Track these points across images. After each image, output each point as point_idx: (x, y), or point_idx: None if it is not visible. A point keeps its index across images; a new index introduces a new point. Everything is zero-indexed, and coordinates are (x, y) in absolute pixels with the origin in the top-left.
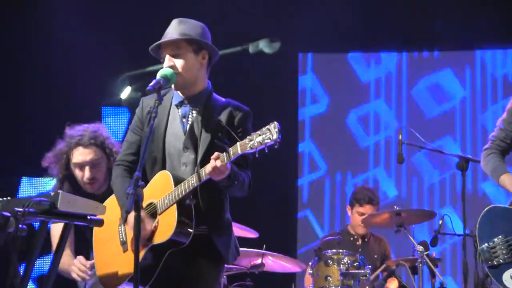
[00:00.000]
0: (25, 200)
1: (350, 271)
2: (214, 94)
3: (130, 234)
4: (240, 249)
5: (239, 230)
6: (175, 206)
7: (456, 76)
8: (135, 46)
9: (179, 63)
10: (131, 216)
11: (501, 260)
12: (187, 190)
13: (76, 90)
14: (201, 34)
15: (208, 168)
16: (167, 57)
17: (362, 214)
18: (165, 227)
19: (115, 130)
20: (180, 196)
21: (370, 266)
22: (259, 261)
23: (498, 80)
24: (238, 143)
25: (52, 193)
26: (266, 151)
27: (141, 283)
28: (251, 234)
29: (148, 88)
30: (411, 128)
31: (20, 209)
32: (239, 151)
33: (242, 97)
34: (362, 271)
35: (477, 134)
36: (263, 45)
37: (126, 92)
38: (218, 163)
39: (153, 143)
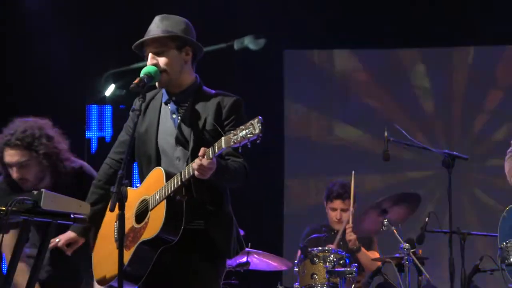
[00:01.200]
0: (9, 198)
1: (336, 269)
2: (204, 88)
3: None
4: None
5: None
6: (164, 202)
7: (441, 73)
8: (119, 43)
9: (162, 60)
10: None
11: None
12: (175, 186)
13: (60, 89)
14: (184, 30)
15: (194, 166)
16: (150, 55)
17: (334, 209)
18: (153, 223)
19: (101, 128)
20: (169, 191)
21: (356, 264)
22: (244, 259)
23: (484, 77)
24: (222, 138)
25: (36, 192)
26: (249, 145)
27: (134, 281)
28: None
29: (132, 86)
30: (397, 125)
31: (3, 208)
32: (223, 146)
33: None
34: (348, 269)
35: (464, 132)
36: (248, 42)
37: (110, 90)
38: (204, 161)
39: (146, 143)
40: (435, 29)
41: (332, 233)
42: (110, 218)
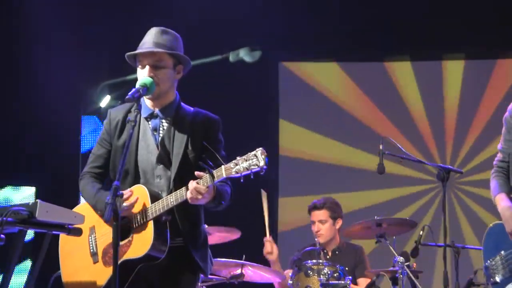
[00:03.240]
0: (3, 209)
1: (330, 281)
2: (182, 104)
3: (102, 245)
4: (220, 259)
5: (220, 233)
6: (151, 222)
7: (433, 87)
8: (115, 55)
9: (159, 74)
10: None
11: (501, 276)
12: (165, 209)
13: (55, 99)
14: (179, 48)
15: (189, 192)
16: (148, 68)
17: (314, 222)
18: (140, 243)
19: (95, 139)
20: (157, 213)
21: (350, 277)
22: (238, 271)
23: (476, 90)
24: (222, 167)
25: (31, 203)
26: (252, 177)
27: None
28: (234, 235)
29: (127, 97)
30: (392, 139)
31: None
32: (224, 175)
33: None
34: (342, 282)
35: (459, 145)
36: (244, 54)
37: (105, 101)
38: (202, 188)
39: (123, 157)
40: (427, 42)
41: (323, 252)
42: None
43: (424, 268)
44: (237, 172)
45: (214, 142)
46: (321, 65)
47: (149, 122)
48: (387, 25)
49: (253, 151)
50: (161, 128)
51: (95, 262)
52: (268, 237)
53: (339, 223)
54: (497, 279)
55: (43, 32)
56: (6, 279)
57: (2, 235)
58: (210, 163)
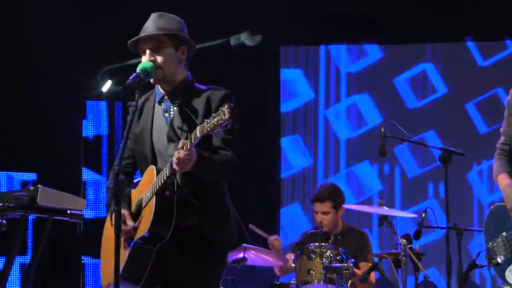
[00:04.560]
0: (5, 195)
1: (333, 264)
2: (196, 84)
3: (124, 232)
4: None
5: None
6: (154, 198)
7: (437, 68)
8: (116, 39)
9: (160, 57)
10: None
11: (503, 257)
12: (161, 181)
13: (57, 84)
14: (180, 29)
15: (174, 161)
16: (148, 51)
17: (317, 212)
18: (145, 220)
19: (97, 124)
20: (157, 188)
21: (353, 260)
22: (241, 255)
23: (478, 72)
24: (197, 127)
25: (32, 188)
26: (221, 132)
27: (135, 281)
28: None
29: (128, 81)
30: (394, 121)
31: (0, 204)
32: (198, 135)
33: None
34: (345, 264)
35: (460, 126)
36: (244, 38)
37: (107, 86)
38: (182, 153)
39: (142, 144)
40: (433, 23)
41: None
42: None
43: (426, 251)
44: (208, 129)
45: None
46: (323, 47)
47: (162, 105)
48: (393, 5)
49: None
50: (171, 109)
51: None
52: (270, 237)
53: (342, 209)
54: (499, 260)
55: (44, 17)
56: (8, 265)
57: (4, 221)
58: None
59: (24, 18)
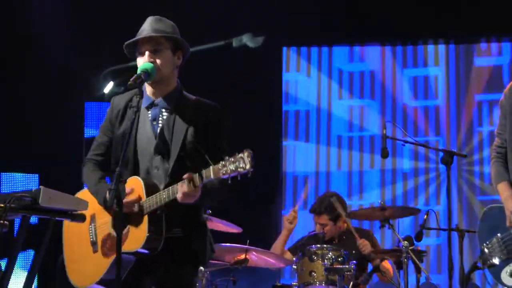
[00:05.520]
0: (6, 196)
1: (335, 266)
2: (184, 93)
3: (100, 234)
4: (224, 244)
5: (222, 226)
6: (146, 216)
7: (440, 69)
8: (117, 41)
9: (159, 59)
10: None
11: (498, 258)
12: (158, 204)
13: (58, 86)
14: (176, 34)
15: (179, 194)
16: (147, 53)
17: (316, 222)
18: (135, 237)
19: (98, 125)
20: (151, 208)
21: (355, 261)
22: (242, 256)
23: (482, 73)
24: (211, 167)
25: (34, 189)
26: (239, 178)
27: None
28: (234, 229)
29: (129, 82)
30: (396, 123)
31: (1, 205)
32: (212, 176)
33: (226, 92)
34: (347, 266)
35: (462, 128)
36: (247, 40)
37: (108, 87)
38: (189, 189)
39: (123, 146)
40: (432, 25)
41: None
42: (81, 235)
43: (428, 252)
44: (224, 174)
45: (214, 134)
46: (325, 48)
47: (149, 112)
48: (396, 7)
49: (240, 153)
50: (160, 118)
51: (95, 251)
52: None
53: (342, 220)
54: (494, 261)
55: (45, 18)
56: (10, 266)
57: (6, 222)
58: (206, 157)
59: (24, 18)
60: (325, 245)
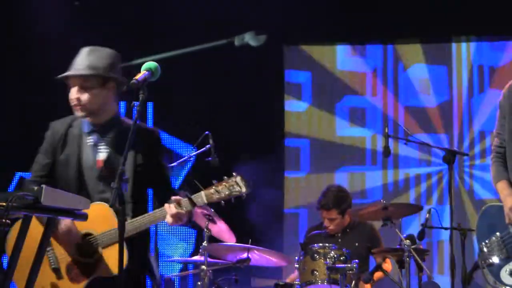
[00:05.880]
0: (9, 194)
1: (337, 265)
2: (123, 118)
3: (63, 262)
4: (227, 243)
5: (221, 229)
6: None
7: (443, 68)
8: (120, 40)
9: (84, 96)
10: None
11: (497, 257)
12: (137, 230)
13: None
14: (109, 65)
15: (169, 218)
16: (75, 89)
17: (324, 217)
18: (113, 262)
19: None
20: (130, 233)
21: (357, 260)
22: (245, 255)
23: (486, 72)
24: (202, 193)
25: (36, 188)
26: (232, 201)
27: None
28: (228, 237)
29: (132, 81)
30: (398, 122)
31: (3, 204)
32: (205, 201)
33: (228, 91)
34: (349, 265)
35: (464, 127)
36: (249, 38)
37: None
38: (182, 213)
39: (67, 171)
40: (437, 22)
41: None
42: (31, 243)
43: (430, 251)
44: (218, 199)
45: (158, 156)
46: (327, 47)
47: (90, 138)
48: (397, 6)
49: (230, 177)
50: (102, 145)
51: (59, 278)
52: None
53: (348, 212)
54: (493, 260)
55: (47, 16)
56: (12, 265)
57: (8, 221)
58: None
59: (26, 17)
60: (327, 244)
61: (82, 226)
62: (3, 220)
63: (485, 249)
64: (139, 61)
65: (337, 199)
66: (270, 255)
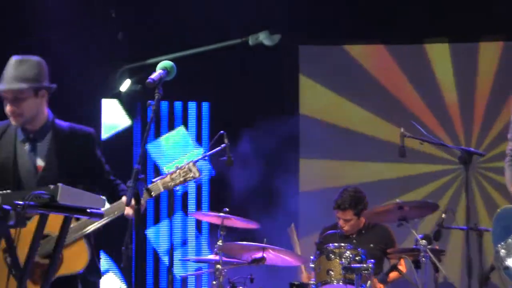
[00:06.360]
0: (25, 193)
1: (352, 265)
2: (56, 122)
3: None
4: (242, 242)
5: (239, 222)
6: (83, 240)
7: (456, 68)
8: (135, 39)
9: (20, 107)
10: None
11: None
12: (96, 227)
13: (75, 83)
14: (38, 74)
15: (128, 210)
16: (9, 101)
17: (339, 218)
18: (73, 260)
19: (115, 123)
20: (89, 231)
21: (373, 260)
22: (260, 254)
23: (504, 72)
24: (159, 182)
25: (52, 186)
26: (186, 184)
27: None
28: (251, 225)
29: (148, 80)
30: (413, 121)
31: (20, 202)
32: (162, 189)
33: (243, 90)
34: (364, 265)
35: (486, 130)
36: (263, 38)
37: (125, 85)
38: (142, 205)
39: (2, 173)
40: (462, 21)
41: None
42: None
43: (446, 251)
44: (175, 185)
45: (97, 155)
46: (343, 47)
47: (26, 145)
48: (421, 5)
49: (182, 165)
50: (39, 150)
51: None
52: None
53: (364, 214)
54: (509, 263)
55: (62, 14)
56: (29, 261)
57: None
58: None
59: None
60: (342, 244)
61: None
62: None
63: (502, 252)
64: (154, 60)
65: (353, 200)
66: (286, 254)
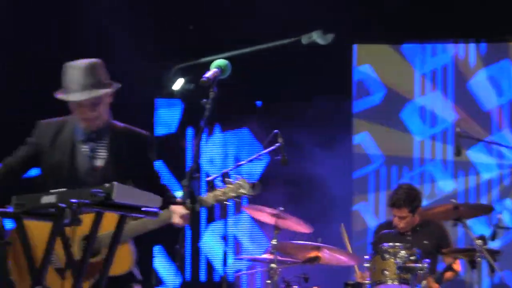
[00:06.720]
0: (81, 191)
1: (407, 264)
2: (113, 122)
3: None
4: (297, 242)
5: (293, 224)
6: (128, 243)
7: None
8: (188, 38)
9: (98, 111)
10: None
11: None
12: (143, 231)
13: (128, 83)
14: (104, 77)
15: (179, 219)
16: (86, 108)
17: (395, 215)
18: (120, 259)
19: (168, 122)
20: (136, 233)
21: (428, 260)
22: (314, 254)
23: None
24: (212, 194)
25: (107, 185)
26: (238, 200)
27: None
28: (304, 229)
29: (202, 79)
30: (469, 121)
31: (76, 200)
32: (211, 202)
33: (296, 89)
34: (420, 264)
35: None
36: (316, 37)
37: (178, 84)
38: (187, 212)
39: (58, 174)
40: (499, 22)
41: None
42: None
43: (502, 252)
44: (225, 200)
45: (150, 159)
46: (395, 46)
47: (86, 144)
48: (465, 4)
49: (234, 180)
50: (98, 151)
51: (64, 278)
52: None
53: (419, 210)
54: None
55: (118, 14)
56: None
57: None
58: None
59: (91, 15)
60: (397, 244)
61: (85, 227)
62: (77, 217)
63: None
64: (207, 59)
65: (408, 197)
66: (341, 254)
